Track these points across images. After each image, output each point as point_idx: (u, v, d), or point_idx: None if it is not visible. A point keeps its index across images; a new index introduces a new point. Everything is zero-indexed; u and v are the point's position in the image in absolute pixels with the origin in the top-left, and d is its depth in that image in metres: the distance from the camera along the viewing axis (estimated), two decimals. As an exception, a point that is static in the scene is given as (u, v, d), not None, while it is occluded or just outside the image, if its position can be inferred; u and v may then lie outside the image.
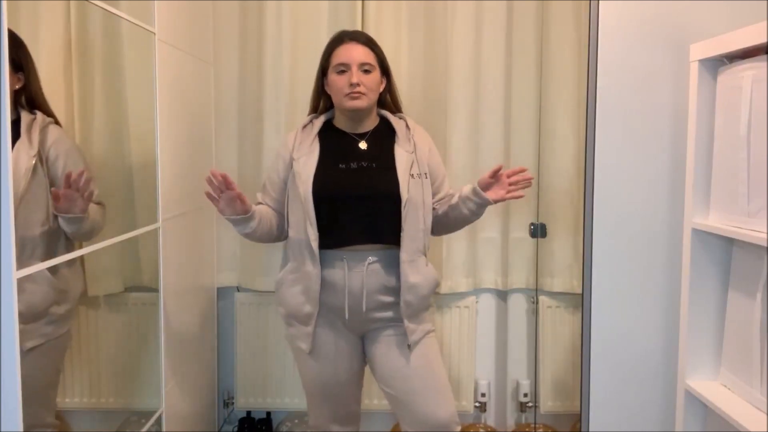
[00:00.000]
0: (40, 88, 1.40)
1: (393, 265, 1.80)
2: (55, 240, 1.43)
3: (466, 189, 1.82)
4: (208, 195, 1.71)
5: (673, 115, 1.76)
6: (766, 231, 1.36)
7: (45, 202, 1.41)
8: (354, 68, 1.79)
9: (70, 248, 1.51)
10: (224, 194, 1.70)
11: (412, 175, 1.80)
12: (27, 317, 1.34)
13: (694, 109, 1.60)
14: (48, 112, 1.43)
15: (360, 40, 1.84)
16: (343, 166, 1.81)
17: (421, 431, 1.81)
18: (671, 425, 1.79)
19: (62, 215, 1.43)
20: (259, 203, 1.89)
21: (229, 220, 1.75)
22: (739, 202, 1.46)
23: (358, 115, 1.84)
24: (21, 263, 1.26)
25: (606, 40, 1.75)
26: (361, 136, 1.86)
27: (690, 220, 1.62)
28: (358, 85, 1.78)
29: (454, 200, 1.84)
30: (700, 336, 1.64)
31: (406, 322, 1.80)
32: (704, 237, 1.61)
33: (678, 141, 1.75)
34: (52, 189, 1.41)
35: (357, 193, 1.78)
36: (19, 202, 1.30)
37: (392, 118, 1.90)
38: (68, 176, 1.41)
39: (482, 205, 1.81)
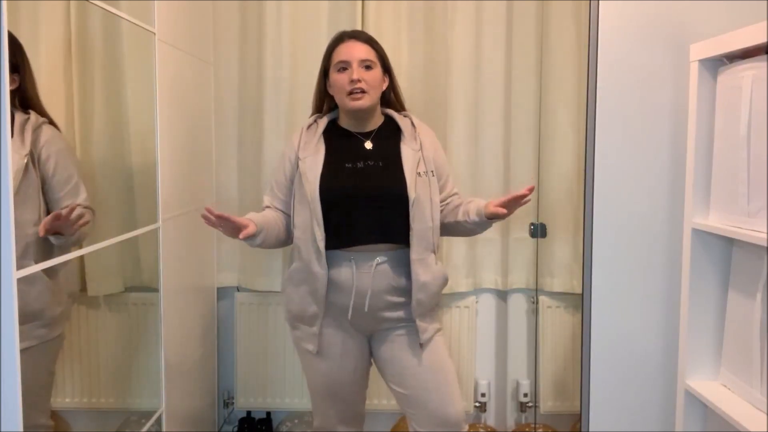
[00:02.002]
0: (35, 89, 1.40)
1: (401, 265, 1.79)
2: (48, 241, 1.43)
3: (472, 212, 1.80)
4: (207, 222, 1.67)
5: (673, 115, 1.76)
6: (766, 231, 1.36)
7: (37, 202, 1.40)
8: (354, 65, 1.78)
9: (64, 249, 1.50)
10: (225, 227, 1.67)
11: (419, 174, 1.79)
12: (21, 318, 1.34)
13: (694, 109, 1.60)
14: (42, 113, 1.42)
15: (360, 38, 1.84)
16: (350, 165, 1.80)
17: (432, 430, 1.81)
18: (671, 425, 1.79)
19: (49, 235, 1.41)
20: (267, 207, 1.88)
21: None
22: (739, 202, 1.46)
23: (361, 114, 1.84)
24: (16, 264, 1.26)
25: (606, 40, 1.75)
26: (366, 135, 1.86)
27: (690, 220, 1.62)
28: (359, 81, 1.77)
29: (460, 217, 1.84)
30: (700, 336, 1.64)
31: (417, 321, 1.80)
32: (704, 237, 1.61)
33: (678, 141, 1.75)
34: (43, 224, 1.38)
35: (364, 193, 1.77)
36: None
37: (397, 117, 1.89)
38: (57, 215, 1.39)
39: (489, 224, 1.82)
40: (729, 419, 1.46)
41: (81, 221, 1.45)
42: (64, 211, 1.40)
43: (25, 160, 1.36)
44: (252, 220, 1.73)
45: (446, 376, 1.84)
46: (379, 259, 1.78)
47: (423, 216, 1.78)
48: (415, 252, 1.77)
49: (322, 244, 1.75)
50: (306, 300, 1.82)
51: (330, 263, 1.77)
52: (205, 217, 1.64)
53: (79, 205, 1.46)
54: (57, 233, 1.42)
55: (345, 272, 1.78)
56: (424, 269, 1.79)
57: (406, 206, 1.76)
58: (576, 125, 2.42)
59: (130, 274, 1.89)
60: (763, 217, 1.37)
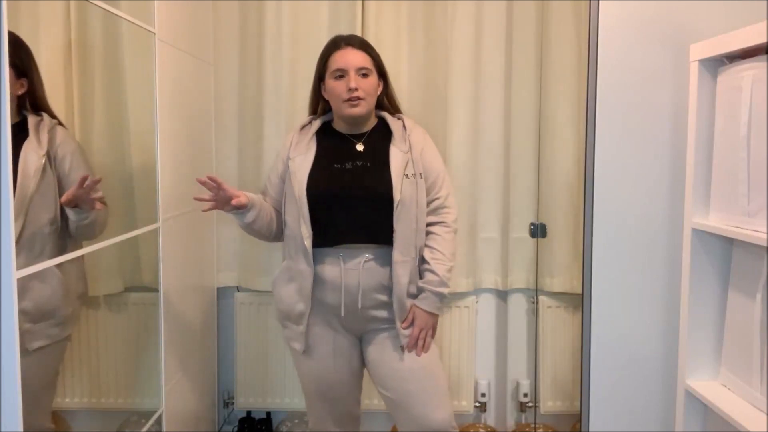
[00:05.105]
0: (44, 93, 1.42)
1: (389, 264, 1.80)
2: (63, 240, 1.45)
3: (420, 290, 1.84)
4: (205, 210, 1.77)
5: (673, 115, 1.76)
6: (766, 231, 1.36)
7: (54, 201, 1.43)
8: (351, 73, 1.79)
9: (77, 248, 1.52)
10: (218, 197, 1.74)
11: (407, 176, 1.80)
12: (35, 316, 1.35)
13: (694, 109, 1.60)
14: (52, 115, 1.44)
15: (356, 45, 1.84)
16: (338, 166, 1.82)
17: None
18: (671, 425, 1.79)
19: (68, 207, 1.46)
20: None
21: (229, 212, 1.79)
22: (739, 202, 1.46)
23: (357, 120, 1.85)
24: (30, 262, 1.28)
25: (606, 39, 1.75)
26: (359, 138, 1.87)
27: (690, 220, 1.62)
28: (356, 89, 1.78)
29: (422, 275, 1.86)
30: (700, 336, 1.64)
31: (398, 323, 1.81)
32: (704, 237, 1.61)
33: (678, 141, 1.75)
34: (66, 194, 1.44)
35: (350, 193, 1.78)
36: (29, 201, 1.31)
37: (389, 119, 1.90)
38: (84, 179, 1.46)
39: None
40: (729, 419, 1.46)
41: (97, 195, 1.50)
42: (89, 180, 1.47)
43: (43, 160, 1.38)
44: (246, 195, 1.79)
45: (432, 380, 1.82)
46: (367, 255, 1.78)
47: (408, 218, 1.79)
48: (398, 253, 1.78)
49: (308, 242, 1.77)
50: (293, 298, 1.83)
51: (318, 261, 1.79)
52: (203, 182, 1.70)
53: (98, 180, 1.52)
54: (76, 206, 1.46)
55: (333, 269, 1.79)
56: (406, 272, 1.79)
57: (392, 207, 1.76)
58: (576, 125, 2.42)
59: (130, 274, 1.89)
60: (763, 217, 1.37)
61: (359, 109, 1.81)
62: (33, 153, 1.36)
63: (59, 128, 1.46)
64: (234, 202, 1.73)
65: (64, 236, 1.46)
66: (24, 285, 1.24)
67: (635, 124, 1.76)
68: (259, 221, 1.82)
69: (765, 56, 1.38)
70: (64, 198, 1.45)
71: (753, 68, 1.41)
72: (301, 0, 2.44)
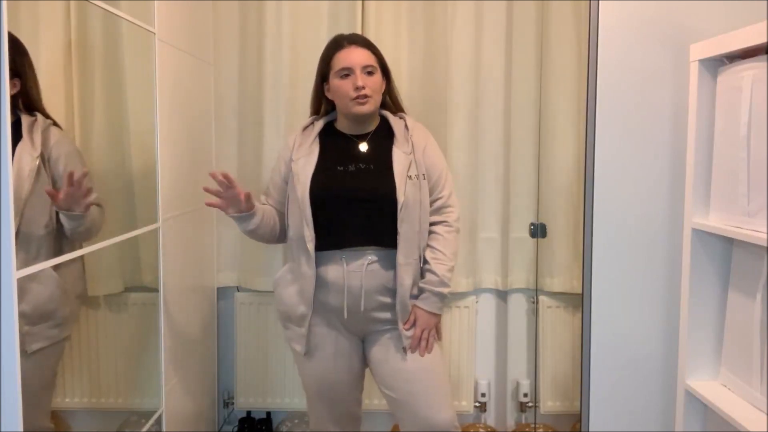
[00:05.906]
0: (38, 93, 1.40)
1: (392, 266, 1.80)
2: (59, 241, 1.44)
3: (421, 291, 1.84)
4: (209, 203, 1.74)
5: (673, 115, 1.76)
6: (766, 231, 1.36)
7: (49, 203, 1.42)
8: (357, 71, 1.79)
9: (73, 249, 1.51)
10: (226, 194, 1.72)
11: (410, 177, 1.79)
12: (33, 318, 1.35)
13: (694, 109, 1.60)
14: (46, 116, 1.43)
15: (359, 43, 1.84)
16: (342, 168, 1.81)
17: None
18: (671, 425, 1.79)
19: (63, 212, 1.44)
20: (263, 205, 1.91)
21: (232, 217, 1.78)
22: (739, 202, 1.46)
23: (363, 118, 1.84)
24: (27, 263, 1.27)
25: (606, 39, 1.75)
26: (362, 138, 1.86)
27: (690, 220, 1.63)
28: (363, 87, 1.77)
29: (422, 276, 1.85)
30: (700, 336, 1.64)
31: (400, 324, 1.81)
32: (704, 237, 1.61)
33: (678, 141, 1.75)
34: (48, 189, 1.41)
35: (354, 195, 1.78)
36: (24, 203, 1.30)
37: (392, 119, 1.90)
38: (70, 175, 1.42)
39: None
40: (729, 419, 1.46)
41: (89, 196, 1.47)
42: (75, 175, 1.43)
43: (37, 162, 1.37)
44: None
45: (435, 380, 1.82)
46: (369, 258, 1.78)
47: (411, 219, 1.78)
48: (402, 255, 1.77)
49: (311, 245, 1.76)
50: (295, 300, 1.83)
51: (321, 263, 1.79)
52: (214, 175, 1.69)
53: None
54: (69, 210, 1.44)
55: (336, 271, 1.78)
56: (410, 274, 1.79)
57: (395, 209, 1.76)
58: (576, 125, 2.42)
59: (130, 274, 1.89)
60: (763, 217, 1.37)
61: (367, 107, 1.80)
62: (27, 154, 1.34)
63: (53, 129, 1.44)
64: (243, 205, 1.73)
65: (60, 238, 1.45)
66: (22, 287, 1.24)
67: (635, 124, 1.76)
68: (262, 229, 1.83)
69: (765, 56, 1.38)
70: (54, 201, 1.42)
71: (753, 68, 1.41)
72: (301, 0, 2.44)
